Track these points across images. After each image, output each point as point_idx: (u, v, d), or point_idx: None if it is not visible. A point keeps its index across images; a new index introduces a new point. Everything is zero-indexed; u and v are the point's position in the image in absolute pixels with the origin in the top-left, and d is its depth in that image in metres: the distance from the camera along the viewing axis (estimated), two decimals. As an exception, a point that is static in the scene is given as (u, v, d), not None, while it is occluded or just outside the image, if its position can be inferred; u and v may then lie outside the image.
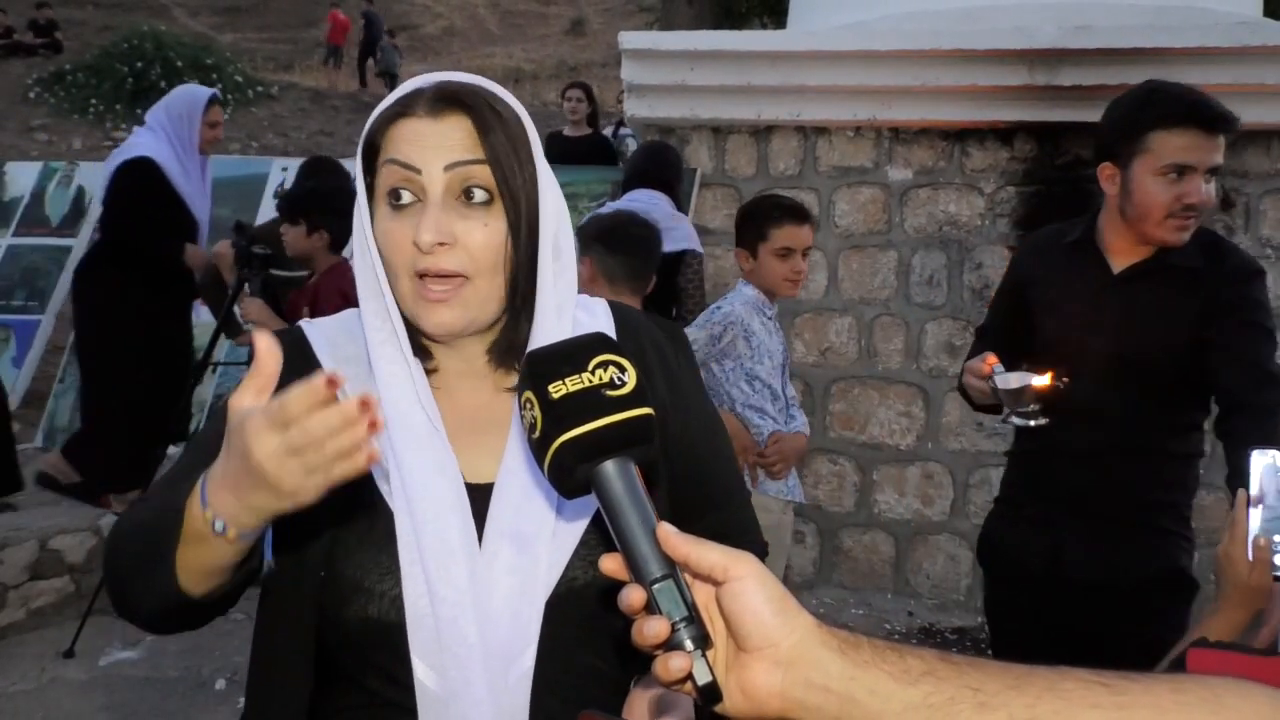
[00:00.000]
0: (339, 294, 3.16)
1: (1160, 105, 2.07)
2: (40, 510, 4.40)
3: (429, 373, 1.08)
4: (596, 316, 1.16)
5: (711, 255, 4.62)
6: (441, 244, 0.99)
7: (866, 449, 4.47)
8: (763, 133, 4.56)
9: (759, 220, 2.91)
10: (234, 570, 0.93)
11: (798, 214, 2.91)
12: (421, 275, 1.01)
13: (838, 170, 4.48)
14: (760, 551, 1.26)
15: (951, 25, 4.29)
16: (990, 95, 4.22)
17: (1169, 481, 2.19)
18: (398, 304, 1.04)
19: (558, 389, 0.76)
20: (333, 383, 0.76)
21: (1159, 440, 2.15)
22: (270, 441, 0.78)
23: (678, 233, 3.99)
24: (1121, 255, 2.16)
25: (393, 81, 20.35)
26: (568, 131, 6.60)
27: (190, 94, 4.37)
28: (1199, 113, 2.03)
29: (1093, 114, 4.08)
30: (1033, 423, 2.12)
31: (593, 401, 0.76)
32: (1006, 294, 2.40)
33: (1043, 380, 2.07)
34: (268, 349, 0.82)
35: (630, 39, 4.64)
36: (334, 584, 1.02)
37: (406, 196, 1.01)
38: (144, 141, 4.21)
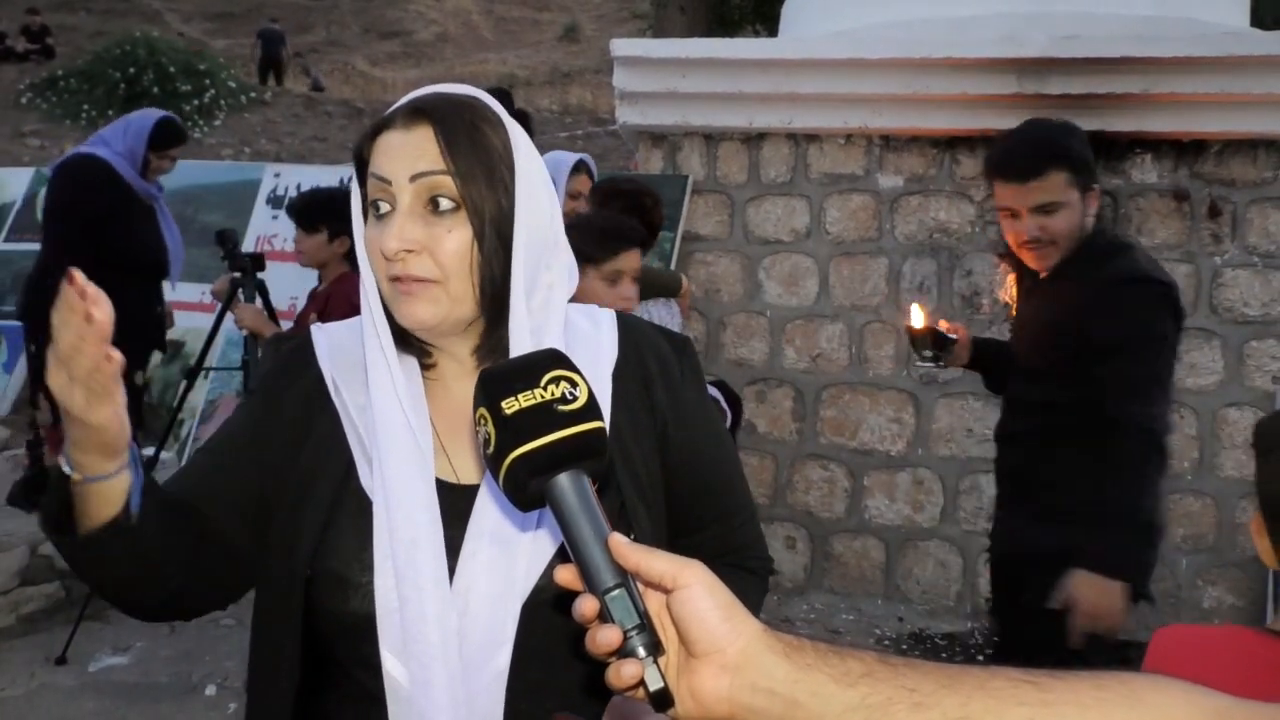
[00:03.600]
0: (348, 302, 3.16)
1: (991, 156, 2.41)
2: (30, 516, 4.40)
3: (427, 372, 1.12)
4: (600, 326, 1.18)
5: (704, 262, 4.65)
6: (409, 251, 1.03)
7: (857, 455, 4.49)
8: (754, 140, 4.58)
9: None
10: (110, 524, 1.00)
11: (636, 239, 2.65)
12: (394, 280, 1.05)
13: (828, 177, 4.51)
14: (762, 567, 1.27)
15: (941, 34, 4.32)
16: (980, 104, 4.24)
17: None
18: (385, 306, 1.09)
19: (510, 405, 0.78)
20: (71, 276, 0.85)
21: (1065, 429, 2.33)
22: (53, 365, 0.89)
23: None
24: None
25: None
26: None
27: (554, 160, 3.93)
28: (1001, 169, 2.34)
29: (1081, 122, 4.08)
30: (931, 365, 2.62)
31: (545, 416, 0.78)
32: None
33: (916, 322, 2.55)
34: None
35: (622, 46, 4.66)
36: (322, 578, 1.06)
37: (384, 207, 1.06)
38: None
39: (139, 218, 4.24)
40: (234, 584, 1.14)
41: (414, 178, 1.04)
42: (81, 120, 15.39)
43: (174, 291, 4.72)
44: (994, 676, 0.68)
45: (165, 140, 4.33)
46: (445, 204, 1.05)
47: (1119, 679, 0.67)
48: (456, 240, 1.05)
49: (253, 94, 17.02)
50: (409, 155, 1.05)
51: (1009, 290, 4.34)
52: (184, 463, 1.15)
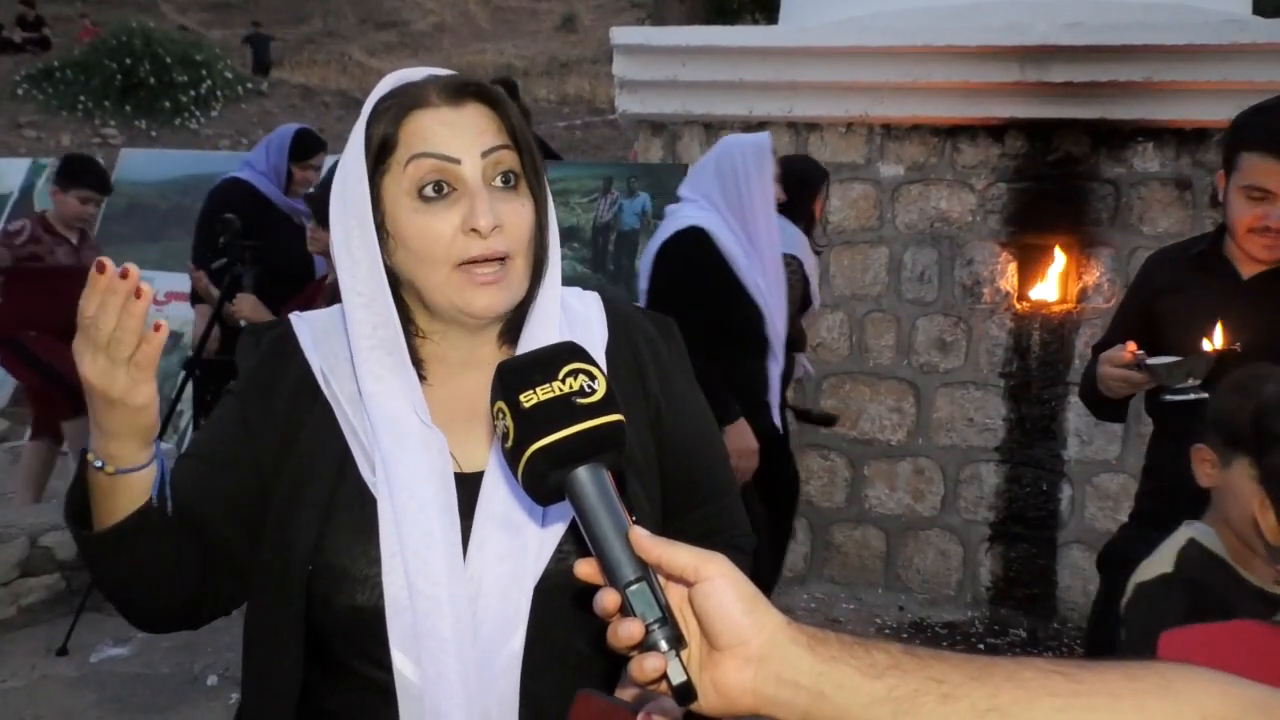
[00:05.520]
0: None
1: (1255, 127, 2.08)
2: (31, 507, 4.39)
3: (418, 366, 1.09)
4: (589, 308, 1.18)
5: (703, 251, 4.63)
6: (495, 227, 1.02)
7: (858, 444, 4.48)
8: (754, 128, 4.56)
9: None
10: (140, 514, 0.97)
11: None
12: (467, 263, 1.02)
13: (829, 166, 4.47)
14: (749, 544, 1.27)
15: (943, 22, 4.30)
16: (981, 92, 4.23)
17: None
18: (430, 295, 1.05)
19: (529, 398, 0.78)
20: (101, 266, 0.82)
21: None
22: (87, 356, 0.86)
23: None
24: (1249, 263, 2.17)
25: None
26: None
27: (755, 144, 3.53)
28: (1272, 141, 2.01)
29: (1083, 110, 4.14)
30: (1192, 396, 2.07)
31: (563, 410, 0.78)
32: (1133, 307, 2.39)
33: (1213, 344, 2.03)
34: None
35: (622, 34, 4.64)
36: (324, 573, 1.03)
37: (445, 187, 1.03)
38: (690, 213, 3.26)
39: (281, 229, 4.21)
40: (236, 589, 1.11)
41: (486, 153, 1.03)
42: (78, 111, 15.34)
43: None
44: (1023, 667, 0.67)
45: (304, 151, 4.40)
46: (511, 178, 1.05)
47: (1151, 668, 0.66)
48: (527, 213, 1.05)
49: (249, 85, 16.98)
50: (471, 132, 1.03)
51: (1009, 279, 4.34)
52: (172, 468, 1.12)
